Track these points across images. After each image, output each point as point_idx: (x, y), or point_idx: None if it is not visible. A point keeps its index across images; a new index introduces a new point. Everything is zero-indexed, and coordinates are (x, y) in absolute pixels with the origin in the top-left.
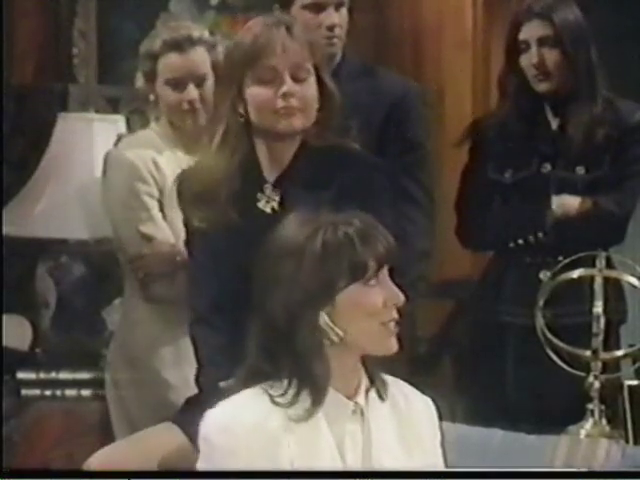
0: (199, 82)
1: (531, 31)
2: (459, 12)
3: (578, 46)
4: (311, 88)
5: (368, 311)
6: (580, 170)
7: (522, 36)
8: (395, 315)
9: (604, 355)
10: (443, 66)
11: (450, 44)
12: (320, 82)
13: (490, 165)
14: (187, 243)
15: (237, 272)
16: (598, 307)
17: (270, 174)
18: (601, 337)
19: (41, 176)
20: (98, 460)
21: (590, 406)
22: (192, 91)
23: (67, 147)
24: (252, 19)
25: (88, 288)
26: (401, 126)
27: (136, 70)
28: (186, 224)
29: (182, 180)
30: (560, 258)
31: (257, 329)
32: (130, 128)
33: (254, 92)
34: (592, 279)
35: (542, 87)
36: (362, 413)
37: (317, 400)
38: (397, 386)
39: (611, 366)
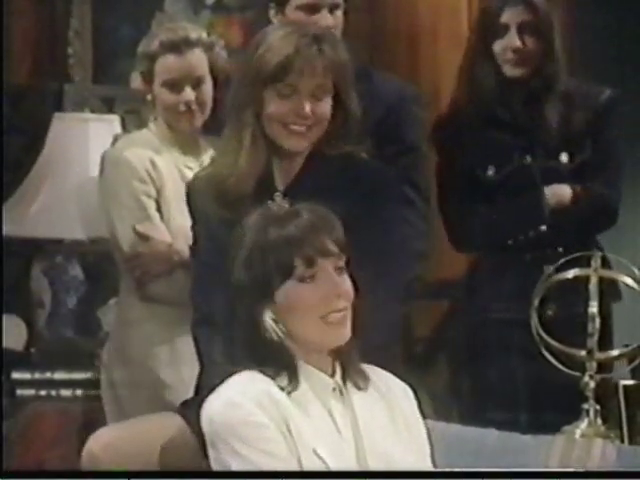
0: (196, 84)
1: (513, 15)
2: (454, 13)
3: (555, 33)
4: (327, 106)
5: (304, 307)
6: (564, 157)
7: (503, 19)
8: (338, 306)
9: (599, 355)
10: (439, 66)
11: (446, 44)
12: (338, 97)
13: (468, 162)
14: (193, 245)
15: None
16: (593, 307)
17: (281, 182)
18: (596, 337)
19: (36, 176)
20: (98, 441)
21: (585, 406)
22: (189, 93)
23: (62, 147)
24: (248, 20)
25: (83, 288)
26: (397, 128)
27: (132, 70)
28: (193, 228)
29: (194, 183)
30: (560, 250)
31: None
32: (125, 128)
33: (271, 105)
34: (587, 279)
35: (515, 72)
36: (342, 393)
37: (292, 377)
38: (375, 373)
39: (606, 366)
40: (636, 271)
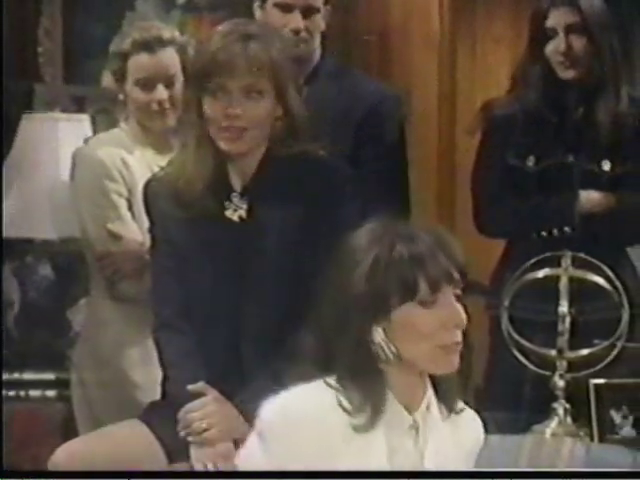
0: (168, 83)
1: (558, 18)
2: (426, 13)
3: (604, 33)
4: (262, 107)
5: (422, 333)
6: (605, 165)
7: (549, 23)
8: (456, 338)
9: (569, 354)
10: (410, 66)
11: (417, 44)
12: (280, 97)
13: (510, 151)
14: (151, 249)
15: (205, 279)
16: (563, 307)
17: (237, 182)
18: (566, 336)
19: (6, 176)
20: (64, 454)
21: (555, 405)
22: (161, 92)
23: (32, 147)
24: (219, 19)
25: (53, 288)
26: (377, 129)
27: (102, 69)
28: (151, 230)
29: (150, 185)
30: (581, 255)
31: (311, 333)
32: (96, 128)
33: (207, 105)
34: (558, 278)
35: (568, 74)
36: (417, 431)
37: (376, 411)
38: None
39: (577, 365)
40: (607, 270)
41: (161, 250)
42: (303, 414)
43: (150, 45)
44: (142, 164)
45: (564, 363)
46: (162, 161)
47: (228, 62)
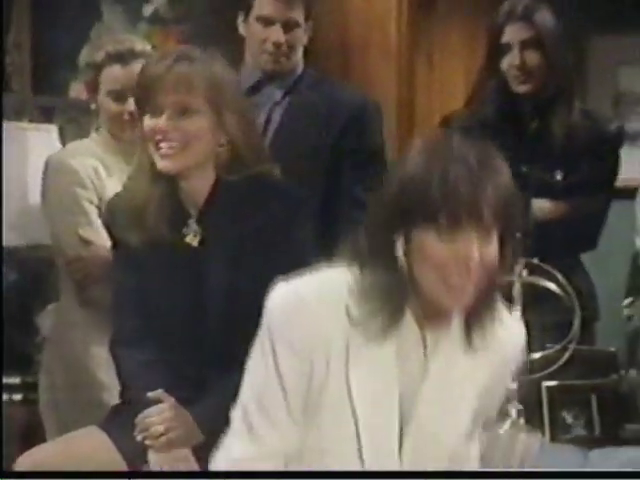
0: None
1: (513, 34)
2: (384, 25)
3: (558, 48)
4: (196, 125)
5: (431, 262)
6: (558, 174)
7: (505, 39)
8: (465, 280)
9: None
10: (370, 78)
11: (376, 56)
12: (221, 119)
13: None
14: (113, 266)
15: (164, 297)
16: (517, 312)
17: (191, 207)
18: None
19: None
20: (26, 461)
21: (509, 406)
22: (132, 103)
23: (0, 156)
24: (184, 32)
25: (21, 294)
26: (358, 138)
27: (71, 80)
28: (113, 247)
29: (111, 203)
30: (535, 260)
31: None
32: (64, 138)
33: (145, 122)
34: (511, 284)
35: (522, 88)
36: (425, 348)
37: (392, 322)
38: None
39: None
40: (559, 277)
41: (121, 268)
42: (313, 303)
43: (123, 57)
44: (113, 173)
45: None
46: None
47: (157, 79)
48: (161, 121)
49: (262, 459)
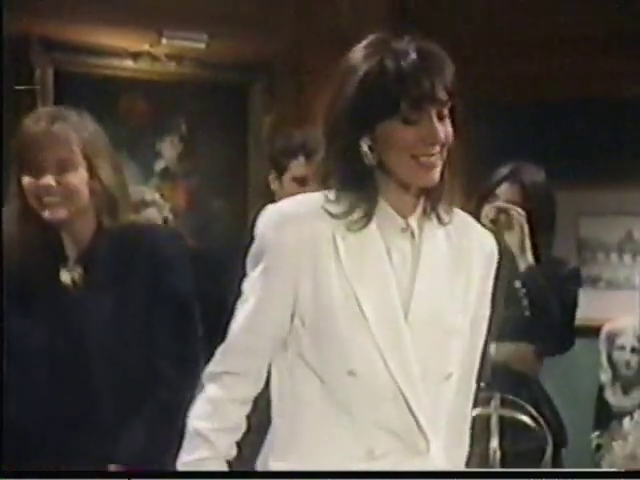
0: None
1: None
2: None
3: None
4: (77, 178)
5: (401, 146)
6: (526, 311)
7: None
8: (431, 151)
9: None
10: None
11: None
12: (95, 171)
13: None
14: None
15: (46, 345)
16: (494, 443)
17: (72, 252)
18: (497, 468)
19: None
20: None
21: None
22: None
23: None
24: (192, 185)
25: None
26: None
27: None
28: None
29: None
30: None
31: (322, 133)
32: None
33: (24, 180)
34: (489, 417)
35: None
36: (413, 235)
37: (367, 214)
38: (465, 222)
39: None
40: (532, 410)
41: (8, 308)
42: (297, 212)
43: (136, 206)
44: None
45: None
46: None
47: (36, 139)
48: (45, 179)
49: (232, 402)
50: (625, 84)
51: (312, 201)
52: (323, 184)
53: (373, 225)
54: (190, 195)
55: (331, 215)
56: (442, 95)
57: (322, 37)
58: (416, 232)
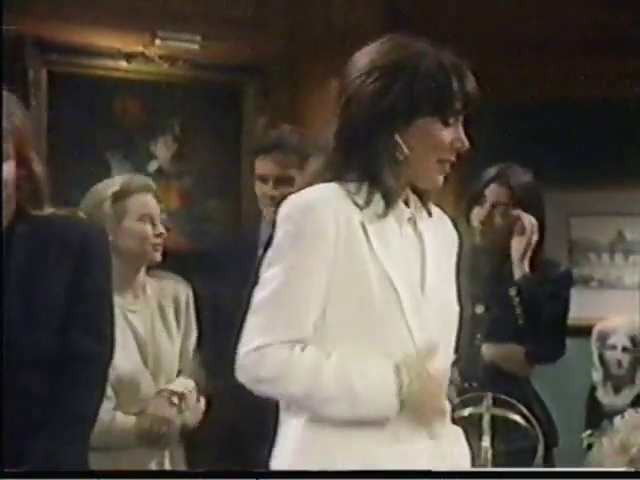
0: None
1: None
2: None
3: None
4: (9, 168)
5: (433, 146)
6: (520, 319)
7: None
8: (452, 157)
9: None
10: None
11: None
12: (25, 159)
13: None
14: None
15: None
16: (486, 442)
17: None
18: (489, 467)
19: None
20: None
21: None
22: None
23: None
24: (185, 186)
25: None
26: None
27: None
28: None
29: None
30: (501, 396)
31: (339, 128)
32: None
33: None
34: (481, 416)
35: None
36: (415, 223)
37: (390, 204)
38: (435, 209)
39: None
40: (524, 409)
41: None
42: (327, 197)
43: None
44: None
45: None
46: None
47: None
48: None
49: (280, 344)
50: (616, 85)
51: (334, 189)
52: (337, 177)
53: (390, 214)
54: (184, 195)
55: (356, 204)
56: (470, 105)
57: (316, 38)
58: (417, 220)
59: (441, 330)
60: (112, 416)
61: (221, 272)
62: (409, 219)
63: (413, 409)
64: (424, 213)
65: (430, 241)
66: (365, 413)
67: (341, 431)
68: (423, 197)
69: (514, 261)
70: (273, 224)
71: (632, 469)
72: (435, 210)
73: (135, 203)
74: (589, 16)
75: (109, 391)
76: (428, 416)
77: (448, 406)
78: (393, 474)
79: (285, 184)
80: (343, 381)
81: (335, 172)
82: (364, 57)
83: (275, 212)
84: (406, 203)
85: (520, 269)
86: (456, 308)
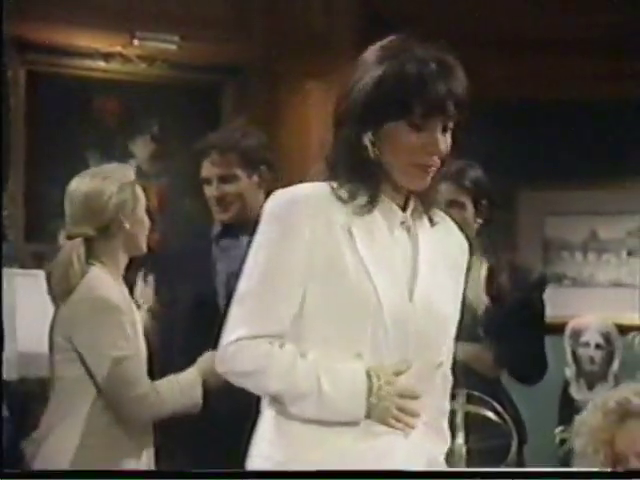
0: None
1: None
2: None
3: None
4: None
5: (403, 150)
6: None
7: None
8: (431, 162)
9: None
10: None
11: None
12: None
13: None
14: None
15: None
16: (460, 438)
17: None
18: (463, 463)
19: None
20: None
21: None
22: None
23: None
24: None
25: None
26: None
27: (60, 229)
28: None
29: None
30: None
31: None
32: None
33: None
34: (454, 413)
35: None
36: (409, 229)
37: (372, 198)
38: (444, 220)
39: None
40: (497, 406)
41: None
42: (306, 195)
43: None
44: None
45: None
46: None
47: None
48: None
49: (260, 338)
50: (595, 86)
51: (316, 184)
52: (327, 174)
53: (379, 215)
54: (162, 195)
55: (339, 199)
56: (452, 108)
57: (294, 39)
58: (412, 226)
59: (427, 340)
60: None
61: (199, 271)
62: (402, 223)
63: (377, 416)
64: (424, 219)
65: (426, 248)
66: (330, 416)
67: (314, 425)
68: (424, 203)
69: (472, 300)
70: (222, 225)
71: (607, 469)
72: (442, 218)
73: (141, 192)
74: (567, 17)
75: None
76: (391, 423)
77: (447, 406)
78: (393, 474)
79: (229, 183)
80: (313, 381)
81: (327, 172)
82: (362, 59)
83: (220, 212)
84: (404, 208)
85: (482, 303)
86: (452, 316)
